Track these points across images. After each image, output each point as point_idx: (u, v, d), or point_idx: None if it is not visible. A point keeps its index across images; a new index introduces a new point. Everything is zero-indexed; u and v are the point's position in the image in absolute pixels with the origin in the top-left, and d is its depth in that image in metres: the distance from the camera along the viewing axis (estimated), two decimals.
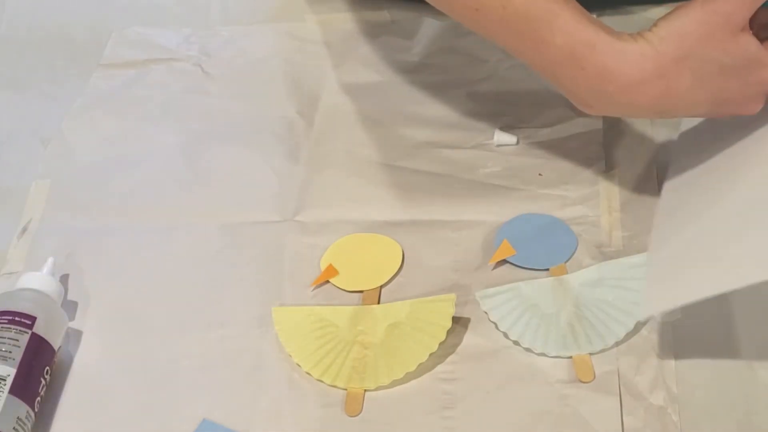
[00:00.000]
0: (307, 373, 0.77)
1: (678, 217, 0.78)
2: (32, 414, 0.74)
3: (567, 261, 0.81)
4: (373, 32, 1.00)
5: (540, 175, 0.87)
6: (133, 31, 1.05)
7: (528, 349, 0.76)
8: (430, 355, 0.76)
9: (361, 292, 0.82)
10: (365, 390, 0.76)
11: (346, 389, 0.76)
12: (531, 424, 0.73)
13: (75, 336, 0.81)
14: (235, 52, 1.02)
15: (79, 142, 0.95)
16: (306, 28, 1.03)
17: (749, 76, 0.73)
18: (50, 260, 0.82)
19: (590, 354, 0.75)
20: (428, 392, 0.75)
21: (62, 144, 0.95)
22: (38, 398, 0.75)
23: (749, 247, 0.70)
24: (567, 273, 0.80)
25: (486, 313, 0.78)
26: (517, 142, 0.90)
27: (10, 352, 0.75)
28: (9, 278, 0.84)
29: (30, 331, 0.76)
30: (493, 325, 0.78)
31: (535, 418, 0.73)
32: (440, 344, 0.76)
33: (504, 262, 0.82)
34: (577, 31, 0.72)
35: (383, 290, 0.82)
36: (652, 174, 0.85)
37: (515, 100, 0.93)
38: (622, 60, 0.71)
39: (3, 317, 0.77)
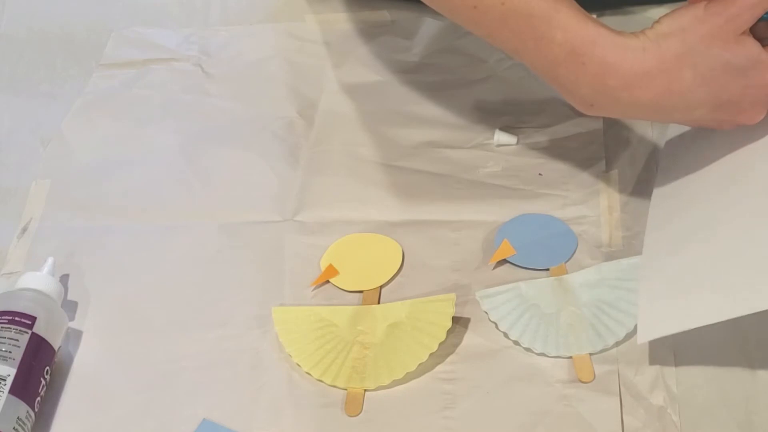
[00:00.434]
0: (307, 373, 0.77)
1: (670, 234, 0.77)
2: (32, 414, 0.74)
3: (567, 261, 0.81)
4: (373, 32, 1.00)
5: (540, 175, 0.87)
6: (133, 31, 1.05)
7: (528, 349, 0.76)
8: (430, 355, 0.76)
9: (361, 292, 0.82)
10: (365, 390, 0.76)
11: (346, 389, 0.76)
12: (531, 424, 0.73)
13: (75, 336, 0.81)
14: (235, 52, 1.02)
15: (78, 142, 0.95)
16: (306, 28, 1.03)
17: (752, 77, 0.72)
18: (50, 260, 0.82)
19: (590, 354, 0.75)
20: (428, 392, 0.75)
21: (62, 144, 0.95)
22: (38, 398, 0.75)
23: (754, 272, 0.70)
24: (567, 273, 0.80)
25: (486, 312, 0.78)
26: (517, 142, 0.90)
27: (10, 352, 0.75)
28: (9, 278, 0.84)
29: (30, 331, 0.76)
30: (494, 325, 0.78)
31: (535, 418, 0.73)
32: (440, 344, 0.76)
33: (504, 261, 0.82)
34: (578, 27, 0.72)
35: (383, 290, 0.82)
36: (652, 174, 0.85)
37: (515, 100, 0.93)
38: (623, 55, 0.71)
39: (3, 317, 0.77)
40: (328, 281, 0.83)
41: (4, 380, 0.74)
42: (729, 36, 0.71)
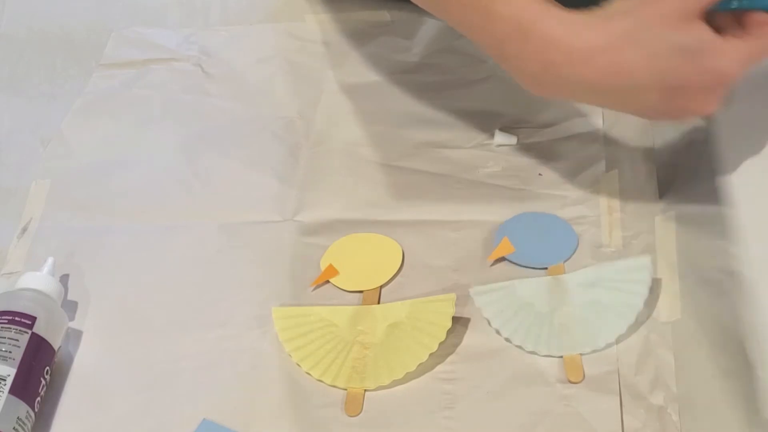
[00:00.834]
0: (307, 373, 0.77)
1: None
2: (32, 414, 0.74)
3: (566, 261, 0.81)
4: (373, 32, 1.00)
5: (540, 175, 0.87)
6: (133, 30, 1.05)
7: (519, 347, 0.76)
8: (430, 355, 0.76)
9: (361, 292, 0.82)
10: (365, 390, 0.76)
11: (346, 389, 0.76)
12: (531, 424, 0.73)
13: (75, 336, 0.81)
14: (235, 52, 1.02)
15: (79, 142, 0.95)
16: (306, 28, 1.03)
17: (703, 61, 0.69)
18: (50, 260, 0.82)
19: (581, 354, 0.75)
20: (428, 392, 0.75)
21: (62, 144, 0.95)
22: (38, 398, 0.75)
23: None
24: (565, 272, 0.80)
25: (479, 309, 0.78)
26: (517, 142, 0.90)
27: (10, 352, 0.75)
28: (9, 278, 0.84)
29: (30, 331, 0.76)
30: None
31: (535, 418, 0.73)
32: (440, 344, 0.76)
33: (503, 259, 0.82)
34: (524, 2, 0.70)
35: (383, 290, 0.82)
36: (652, 174, 0.85)
37: (515, 100, 0.93)
38: (568, 30, 0.70)
39: (3, 317, 0.77)
40: (328, 281, 0.83)
41: (4, 380, 0.74)
42: (681, 17, 0.69)
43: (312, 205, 0.88)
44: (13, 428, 0.73)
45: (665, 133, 0.88)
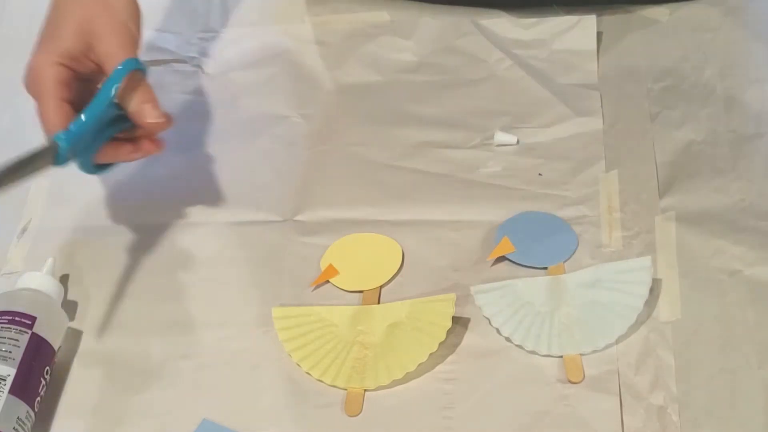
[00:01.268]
0: (307, 373, 0.77)
1: None
2: (32, 414, 0.74)
3: (566, 260, 0.81)
4: (372, 32, 1.00)
5: (540, 175, 0.87)
6: None
7: (519, 346, 0.76)
8: (430, 355, 0.76)
9: (361, 292, 0.82)
10: (365, 390, 0.76)
11: (346, 389, 0.76)
12: (531, 424, 0.73)
13: (75, 336, 0.81)
14: (236, 54, 1.02)
15: None
16: (305, 29, 1.03)
17: None
18: (50, 260, 0.82)
19: (581, 354, 0.75)
20: (428, 392, 0.75)
21: None
22: (38, 398, 0.75)
23: None
24: (565, 272, 0.80)
25: (480, 308, 0.78)
26: (517, 142, 0.90)
27: (10, 352, 0.75)
28: (9, 278, 0.84)
29: (30, 331, 0.76)
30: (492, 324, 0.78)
31: (535, 418, 0.73)
32: (440, 344, 0.76)
33: (503, 259, 0.82)
34: None
35: (383, 290, 0.82)
36: (652, 174, 0.85)
37: (515, 100, 0.93)
38: None
39: (3, 317, 0.77)
40: (328, 281, 0.83)
41: (4, 380, 0.74)
42: None
43: (312, 205, 0.88)
44: (13, 428, 0.73)
45: (665, 133, 0.88)
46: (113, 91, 0.78)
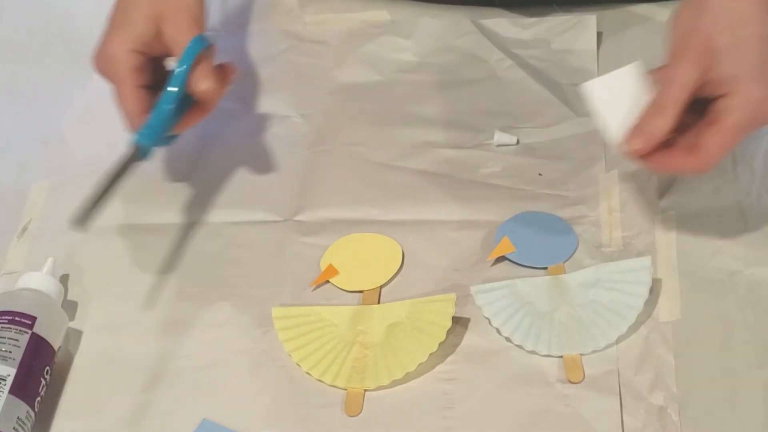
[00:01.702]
0: (307, 373, 0.77)
1: None
2: (32, 414, 0.74)
3: (566, 260, 0.81)
4: (372, 32, 1.00)
5: (540, 175, 0.87)
6: None
7: (519, 346, 0.76)
8: (430, 355, 0.76)
9: (361, 292, 0.82)
10: (365, 390, 0.76)
11: (346, 389, 0.76)
12: (531, 424, 0.73)
13: (75, 336, 0.81)
14: (235, 53, 1.02)
15: (79, 143, 0.95)
16: (305, 29, 1.03)
17: None
18: (50, 260, 0.82)
19: (581, 354, 0.75)
20: (428, 392, 0.75)
21: (62, 144, 0.95)
22: (38, 398, 0.75)
23: None
24: (565, 272, 0.80)
25: (480, 308, 0.78)
26: (517, 142, 0.90)
27: (10, 352, 0.75)
28: (9, 278, 0.84)
29: (30, 331, 0.76)
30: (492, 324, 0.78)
31: (535, 418, 0.73)
32: (440, 344, 0.76)
33: (503, 259, 0.82)
34: None
35: (383, 290, 0.82)
36: (652, 174, 0.85)
37: (515, 100, 0.93)
38: None
39: (3, 317, 0.77)
40: (328, 281, 0.83)
41: (4, 380, 0.74)
42: None
43: (312, 205, 0.88)
44: (13, 428, 0.73)
45: None
46: (183, 75, 0.81)
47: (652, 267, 0.78)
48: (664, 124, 0.74)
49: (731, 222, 0.81)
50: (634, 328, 0.76)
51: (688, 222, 0.82)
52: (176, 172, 0.92)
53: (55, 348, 0.78)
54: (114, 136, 0.95)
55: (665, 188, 0.84)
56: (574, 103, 0.91)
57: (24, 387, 0.74)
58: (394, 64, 0.98)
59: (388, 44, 0.99)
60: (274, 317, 0.80)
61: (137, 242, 0.87)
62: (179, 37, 0.82)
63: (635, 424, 0.72)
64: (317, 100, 0.96)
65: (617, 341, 0.76)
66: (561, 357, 0.76)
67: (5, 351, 0.75)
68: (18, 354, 0.75)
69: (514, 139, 0.90)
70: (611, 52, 0.95)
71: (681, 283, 0.79)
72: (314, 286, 0.82)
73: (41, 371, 0.76)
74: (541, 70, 0.95)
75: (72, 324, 0.81)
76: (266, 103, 0.96)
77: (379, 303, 0.81)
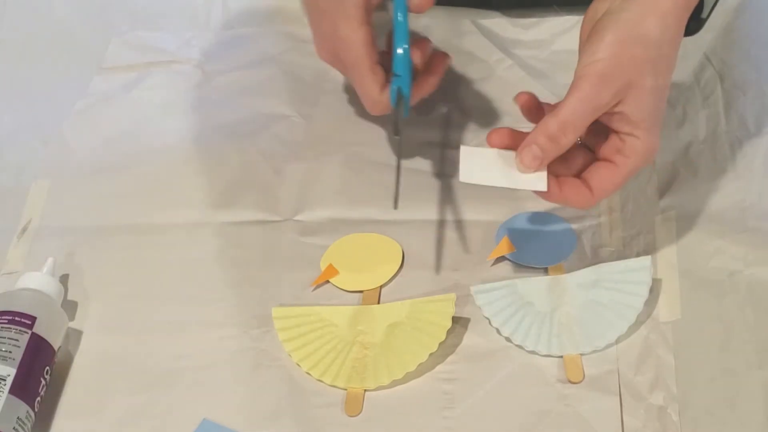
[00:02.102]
0: (307, 373, 0.77)
1: None
2: (32, 414, 0.74)
3: (566, 260, 0.81)
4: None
5: None
6: (134, 35, 1.05)
7: (519, 346, 0.76)
8: (430, 355, 0.76)
9: (361, 292, 0.82)
10: (365, 390, 0.76)
11: (346, 389, 0.76)
12: (531, 423, 0.73)
13: (75, 336, 0.81)
14: (236, 54, 1.02)
15: (79, 143, 0.95)
16: (305, 29, 1.02)
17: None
18: (50, 260, 0.82)
19: (581, 355, 0.75)
20: (428, 392, 0.75)
21: (62, 144, 0.95)
22: (38, 398, 0.75)
23: None
24: (565, 272, 0.80)
25: (480, 308, 0.78)
26: None
27: (10, 352, 0.75)
28: (9, 278, 0.84)
29: (30, 331, 0.76)
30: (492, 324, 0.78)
31: (534, 418, 0.73)
32: (440, 344, 0.76)
33: (503, 259, 0.82)
34: None
35: (383, 290, 0.82)
36: (652, 174, 0.85)
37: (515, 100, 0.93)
38: None
39: (3, 317, 0.77)
40: (328, 281, 0.83)
41: (4, 380, 0.74)
42: None
43: (312, 205, 0.88)
44: (13, 428, 0.73)
45: (665, 134, 0.88)
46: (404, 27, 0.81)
47: (652, 267, 0.78)
48: (568, 142, 0.73)
49: (731, 222, 0.81)
50: (634, 328, 0.76)
51: (688, 222, 0.82)
52: (175, 172, 0.92)
53: (55, 348, 0.78)
54: (114, 136, 0.96)
55: (665, 188, 0.84)
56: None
57: (24, 387, 0.74)
58: None
59: (388, 44, 0.99)
60: (274, 317, 0.80)
61: (137, 242, 0.87)
62: None
63: (635, 424, 0.72)
64: (317, 100, 0.96)
65: (617, 341, 0.76)
66: (561, 357, 0.76)
67: (5, 351, 0.75)
68: (18, 354, 0.75)
69: None
70: None
71: (681, 283, 0.79)
72: (314, 286, 0.82)
73: (41, 371, 0.76)
74: (541, 70, 0.95)
75: (72, 324, 0.81)
76: (266, 103, 0.96)
77: (379, 303, 0.81)
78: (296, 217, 0.87)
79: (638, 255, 0.80)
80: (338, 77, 0.98)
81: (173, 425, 0.75)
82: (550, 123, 0.72)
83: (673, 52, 0.72)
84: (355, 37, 0.81)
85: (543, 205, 0.85)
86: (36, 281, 0.80)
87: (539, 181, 0.73)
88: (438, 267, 0.82)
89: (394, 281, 0.82)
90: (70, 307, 0.82)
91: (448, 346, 0.77)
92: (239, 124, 0.95)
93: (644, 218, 0.83)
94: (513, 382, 0.75)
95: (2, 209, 0.90)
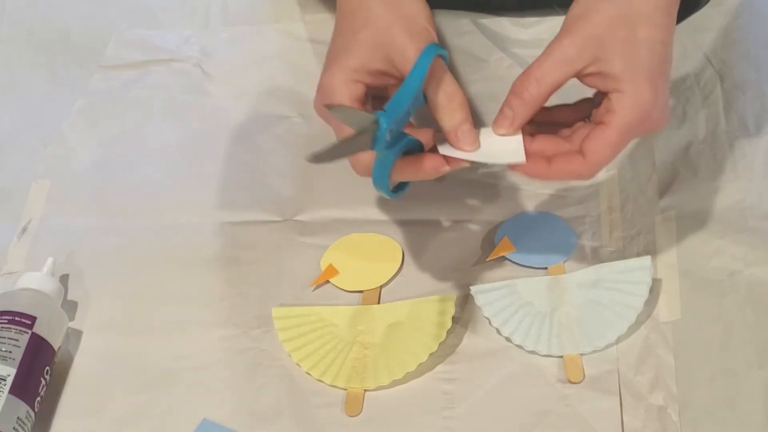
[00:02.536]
0: (307, 373, 0.77)
1: None
2: (32, 414, 0.74)
3: (566, 260, 0.81)
4: None
5: None
6: (134, 32, 1.05)
7: (519, 346, 0.76)
8: (430, 355, 0.76)
9: (361, 292, 0.82)
10: (365, 390, 0.76)
11: (346, 389, 0.76)
12: (531, 423, 0.73)
13: (75, 336, 0.81)
14: (235, 53, 1.02)
15: (79, 142, 0.95)
16: (306, 29, 1.03)
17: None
18: (50, 260, 0.82)
19: (581, 355, 0.75)
20: (428, 392, 0.75)
21: (62, 144, 0.95)
22: (38, 398, 0.75)
23: None
24: (565, 272, 0.80)
25: (480, 308, 0.78)
26: None
27: (10, 352, 0.75)
28: (9, 278, 0.84)
29: (30, 331, 0.76)
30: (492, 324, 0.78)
31: (535, 418, 0.73)
32: (440, 344, 0.76)
33: (503, 259, 0.82)
34: None
35: (383, 290, 0.82)
36: (652, 174, 0.85)
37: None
38: None
39: (3, 317, 0.77)
40: (328, 281, 0.83)
41: (4, 380, 0.74)
42: None
43: (312, 205, 0.88)
44: (13, 428, 0.73)
45: (665, 134, 0.88)
46: (421, 77, 0.71)
47: (652, 267, 0.78)
48: (532, 96, 0.71)
49: (731, 222, 0.81)
50: (634, 328, 0.76)
51: (688, 222, 0.82)
52: (175, 173, 0.92)
53: (55, 348, 0.78)
54: (114, 135, 0.96)
55: (665, 188, 0.84)
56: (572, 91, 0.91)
57: (24, 387, 0.74)
58: None
59: None
60: (274, 317, 0.80)
61: (137, 242, 0.87)
62: (413, 60, 0.72)
63: (635, 424, 0.72)
64: None
65: (617, 341, 0.76)
66: (561, 357, 0.76)
67: (5, 351, 0.75)
68: (18, 354, 0.75)
69: None
70: None
71: (681, 283, 0.79)
72: (314, 286, 0.82)
73: (41, 371, 0.76)
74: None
75: (72, 324, 0.81)
76: (266, 103, 0.96)
77: (379, 303, 0.81)
78: (296, 217, 0.87)
79: (638, 255, 0.80)
80: None
81: (173, 425, 0.75)
82: (516, 81, 0.72)
83: (651, 7, 0.71)
84: (336, 82, 0.75)
85: (543, 206, 0.85)
86: (36, 281, 0.80)
87: (516, 153, 0.72)
88: (438, 267, 0.82)
89: (394, 281, 0.82)
90: (70, 307, 0.82)
91: (448, 346, 0.77)
92: (239, 123, 0.95)
93: (644, 218, 0.83)
94: (513, 382, 0.75)
95: (2, 209, 0.90)
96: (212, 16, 1.06)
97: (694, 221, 0.82)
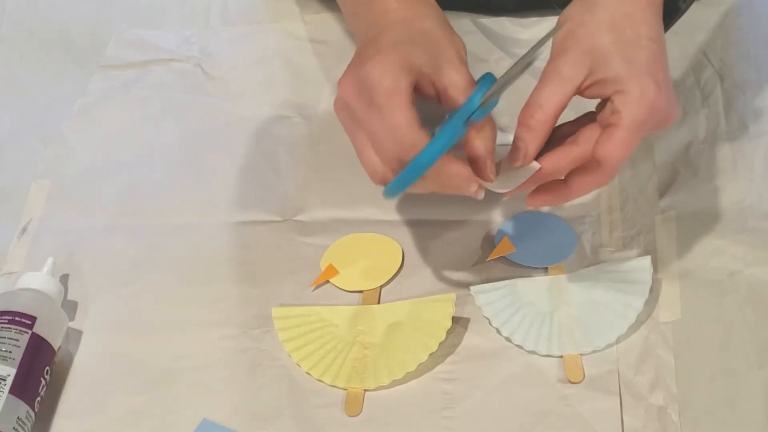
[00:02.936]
0: (307, 373, 0.77)
1: None
2: (32, 414, 0.74)
3: (566, 260, 0.81)
4: None
5: None
6: (134, 32, 1.05)
7: (519, 346, 0.76)
8: (430, 355, 0.76)
9: (361, 292, 0.82)
10: (365, 390, 0.76)
11: (346, 389, 0.76)
12: (531, 423, 0.73)
13: (75, 336, 0.81)
14: (235, 53, 1.02)
15: (79, 142, 0.95)
16: (306, 28, 1.03)
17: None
18: (50, 260, 0.82)
19: (581, 355, 0.75)
20: (428, 392, 0.75)
21: (62, 144, 0.95)
22: (38, 398, 0.75)
23: None
24: (565, 272, 0.80)
25: (480, 308, 0.78)
26: None
27: (10, 352, 0.75)
28: (9, 278, 0.84)
29: (30, 331, 0.76)
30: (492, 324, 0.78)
31: (535, 418, 0.73)
32: (440, 344, 0.76)
33: (503, 259, 0.82)
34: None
35: (383, 290, 0.82)
36: (653, 174, 0.85)
37: (515, 100, 0.93)
38: None
39: (3, 317, 0.77)
40: (328, 281, 0.83)
41: (4, 380, 0.74)
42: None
43: (312, 205, 0.88)
44: (13, 428, 0.73)
45: (665, 133, 0.88)
46: (475, 107, 0.70)
47: (652, 267, 0.78)
48: (539, 123, 0.72)
49: (731, 222, 0.81)
50: (634, 328, 0.76)
51: (688, 222, 0.82)
52: (175, 173, 0.92)
53: (55, 348, 0.78)
54: (114, 135, 0.96)
55: (665, 188, 0.84)
56: (573, 103, 0.91)
57: (24, 387, 0.74)
58: None
59: None
60: (274, 317, 0.80)
61: (137, 242, 0.87)
62: (458, 82, 0.71)
63: (635, 424, 0.72)
64: (317, 100, 0.96)
65: (617, 341, 0.76)
66: (561, 357, 0.76)
67: (5, 351, 0.75)
68: (18, 354, 0.75)
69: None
70: None
71: (681, 283, 0.79)
72: (314, 286, 0.82)
73: (41, 371, 0.76)
74: (542, 69, 0.95)
75: (72, 324, 0.81)
76: (266, 103, 0.96)
77: (379, 303, 0.81)
78: (296, 217, 0.87)
79: (638, 255, 0.80)
80: (338, 76, 0.97)
81: (173, 425, 0.75)
82: (520, 112, 0.73)
83: (631, 8, 0.72)
84: (397, 76, 0.71)
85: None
86: (36, 281, 0.80)
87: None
88: (438, 267, 0.82)
89: (394, 281, 0.82)
90: (70, 307, 0.82)
91: (448, 346, 0.77)
92: (239, 123, 0.95)
93: (644, 218, 0.83)
94: (513, 382, 0.75)
95: (2, 209, 0.90)
96: (212, 16, 1.06)
97: (694, 221, 0.82)
